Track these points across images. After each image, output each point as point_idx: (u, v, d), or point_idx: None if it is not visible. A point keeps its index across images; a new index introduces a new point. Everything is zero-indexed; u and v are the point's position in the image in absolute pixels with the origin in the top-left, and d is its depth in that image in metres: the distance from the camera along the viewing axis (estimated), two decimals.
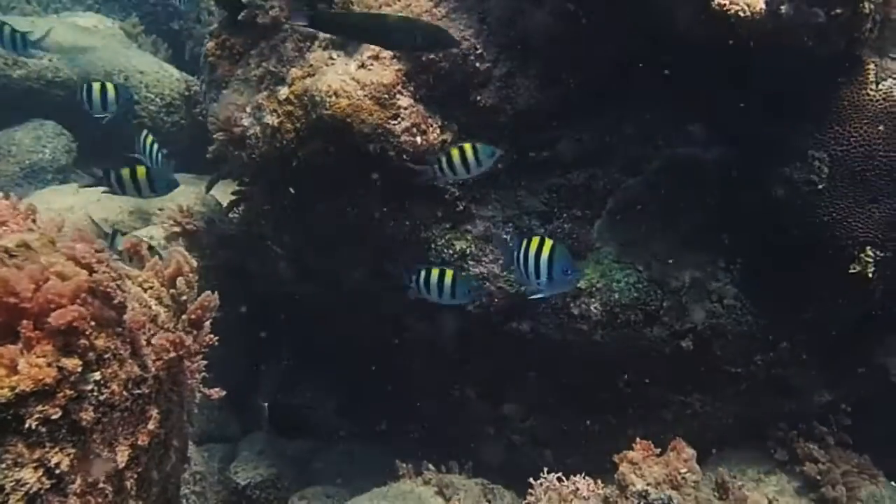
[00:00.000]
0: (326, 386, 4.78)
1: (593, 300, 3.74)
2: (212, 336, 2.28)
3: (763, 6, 3.02)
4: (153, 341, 2.09)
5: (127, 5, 8.27)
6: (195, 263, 2.55)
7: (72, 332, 1.78)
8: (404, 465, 4.00)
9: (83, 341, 1.80)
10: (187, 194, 5.48)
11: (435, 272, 3.40)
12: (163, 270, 2.53)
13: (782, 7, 3.02)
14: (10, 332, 1.79)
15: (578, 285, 3.70)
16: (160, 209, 4.99)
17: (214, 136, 4.10)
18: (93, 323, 1.82)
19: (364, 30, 3.28)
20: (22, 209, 2.50)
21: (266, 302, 4.73)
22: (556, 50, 3.62)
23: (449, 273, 3.40)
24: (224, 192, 5.55)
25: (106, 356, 1.85)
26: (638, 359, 3.78)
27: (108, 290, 1.94)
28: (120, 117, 5.63)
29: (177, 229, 4.92)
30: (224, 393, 2.59)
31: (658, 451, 3.25)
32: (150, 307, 2.14)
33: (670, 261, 3.73)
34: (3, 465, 1.67)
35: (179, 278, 2.38)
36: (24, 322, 1.75)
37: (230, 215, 4.85)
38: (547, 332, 3.83)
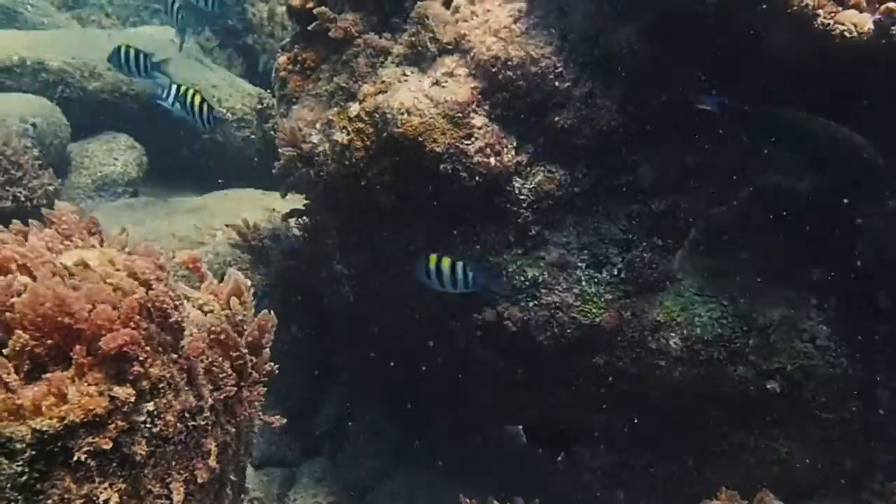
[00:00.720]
0: (389, 412, 4.63)
1: (673, 335, 3.53)
2: (272, 365, 2.16)
3: (871, 26, 2.81)
4: (212, 368, 1.97)
5: (203, 19, 8.30)
6: (250, 283, 2.45)
7: (125, 359, 1.67)
8: (468, 501, 3.83)
9: (137, 368, 1.68)
10: (254, 209, 5.43)
11: (446, 261, 3.31)
12: (221, 290, 2.42)
13: (894, 28, 2.80)
14: (64, 356, 1.69)
15: (657, 318, 3.51)
16: (227, 224, 4.93)
17: (282, 151, 4.01)
18: (147, 348, 1.70)
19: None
20: (85, 223, 2.41)
21: (330, 322, 4.64)
22: (641, 70, 3.44)
23: (459, 263, 3.31)
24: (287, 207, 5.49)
25: (160, 385, 1.74)
26: (720, 399, 3.56)
27: (165, 307, 1.82)
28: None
29: (242, 243, 4.87)
30: (285, 421, 2.47)
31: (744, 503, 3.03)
32: (208, 331, 2.02)
33: (758, 296, 3.51)
34: (50, 501, 1.57)
35: (235, 298, 2.28)
36: (77, 347, 1.65)
37: (295, 232, 4.77)
38: (622, 366, 3.63)
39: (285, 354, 2.26)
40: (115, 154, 5.97)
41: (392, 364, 4.32)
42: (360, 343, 4.56)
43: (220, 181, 6.25)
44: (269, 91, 6.56)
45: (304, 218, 4.51)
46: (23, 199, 4.70)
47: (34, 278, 1.74)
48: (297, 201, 4.53)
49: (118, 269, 1.91)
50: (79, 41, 6.36)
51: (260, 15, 8.14)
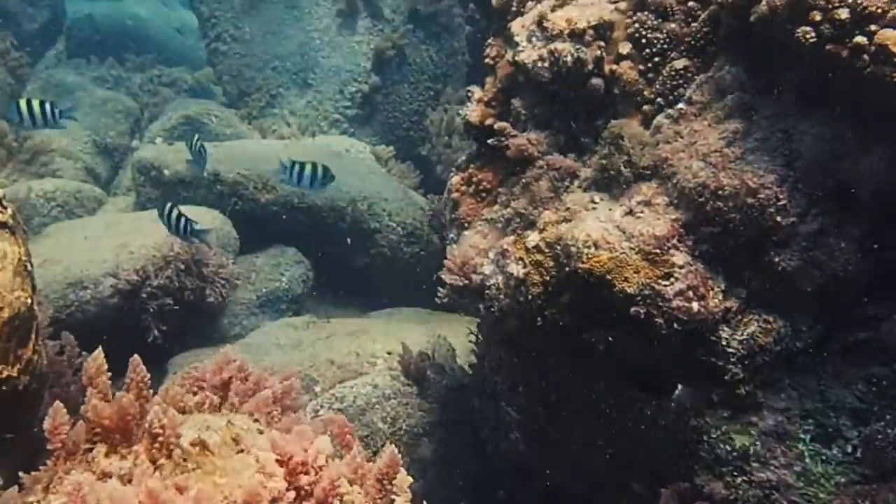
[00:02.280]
0: None
1: None
2: None
3: None
4: None
5: (380, 129, 8.24)
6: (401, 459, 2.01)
7: None
8: None
9: None
10: (419, 333, 5.04)
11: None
12: (368, 471, 1.97)
13: None
14: None
15: None
16: (388, 352, 4.55)
17: (449, 280, 3.60)
18: None
19: None
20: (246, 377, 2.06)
21: (497, 469, 4.11)
22: (887, 207, 2.80)
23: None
24: (456, 333, 5.07)
25: None
26: None
27: None
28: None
29: (403, 374, 4.47)
30: None
31: None
32: None
33: None
34: None
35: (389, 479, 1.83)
36: None
37: (462, 365, 4.34)
38: None
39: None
40: (282, 269, 5.78)
41: None
42: (529, 496, 4.01)
43: (384, 300, 5.95)
44: (441, 207, 6.27)
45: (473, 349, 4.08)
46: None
47: None
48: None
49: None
50: (255, 153, 6.33)
51: (437, 125, 7.97)
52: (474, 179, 3.69)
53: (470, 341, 4.30)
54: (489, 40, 3.80)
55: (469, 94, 3.81)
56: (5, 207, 3.53)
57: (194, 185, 5.86)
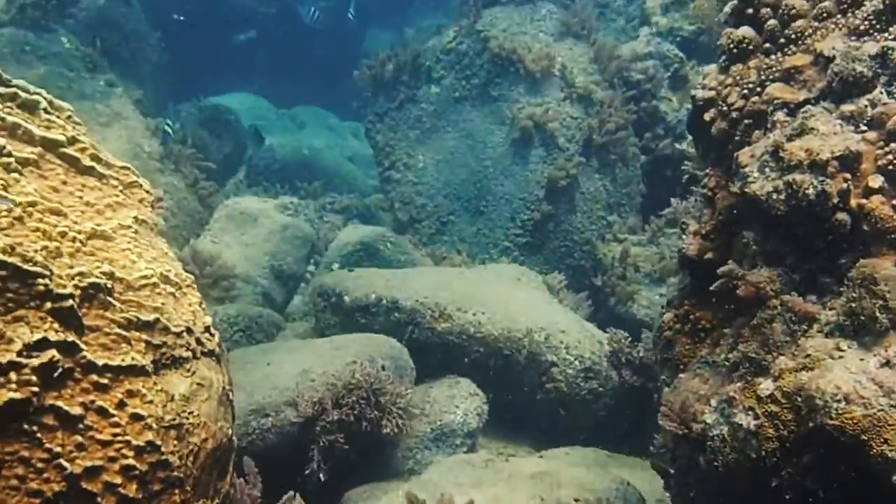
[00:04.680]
0: None
1: None
2: None
3: None
4: None
5: (550, 257, 8.07)
6: None
7: None
8: None
9: None
10: (601, 475, 4.68)
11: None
12: None
13: None
14: None
15: None
16: (576, 499, 4.20)
17: (667, 427, 3.28)
18: None
19: None
20: None
21: None
22: None
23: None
24: (639, 480, 4.68)
25: None
26: None
27: None
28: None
29: None
30: None
31: None
32: None
33: None
34: None
35: None
36: None
37: None
38: None
39: None
40: (457, 401, 5.55)
41: None
42: None
43: (559, 437, 5.62)
44: (623, 341, 5.96)
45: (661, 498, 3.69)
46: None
47: None
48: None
49: None
50: (431, 281, 6.25)
51: (612, 255, 7.74)
52: (691, 317, 3.40)
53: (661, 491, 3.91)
54: (707, 170, 3.58)
55: (683, 227, 3.57)
56: (213, 335, 3.50)
57: (373, 312, 5.81)
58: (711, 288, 3.24)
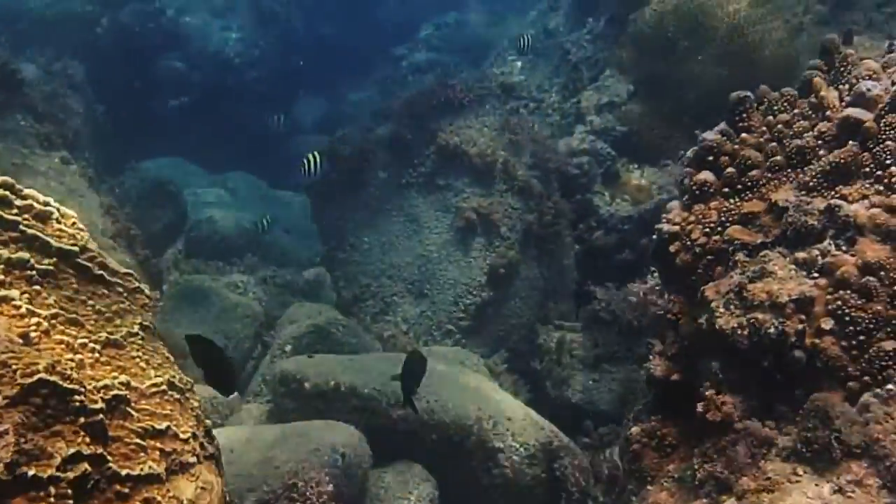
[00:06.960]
0: None
1: None
2: None
3: None
4: None
5: (490, 341, 8.38)
6: None
7: None
8: None
9: None
10: None
11: None
12: None
13: None
14: None
15: None
16: None
17: None
18: None
19: None
20: None
21: None
22: None
23: None
24: None
25: None
26: None
27: None
28: None
29: None
30: None
31: None
32: None
33: None
34: None
35: None
36: None
37: None
38: None
39: None
40: (410, 487, 5.77)
41: None
42: None
43: None
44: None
45: None
46: None
47: None
48: None
49: None
50: (388, 367, 6.46)
51: (549, 343, 8.11)
52: (658, 433, 3.75)
53: None
54: (670, 296, 3.97)
55: (649, 346, 3.94)
56: (213, 438, 3.67)
57: (332, 399, 5.99)
58: (697, 411, 3.56)
